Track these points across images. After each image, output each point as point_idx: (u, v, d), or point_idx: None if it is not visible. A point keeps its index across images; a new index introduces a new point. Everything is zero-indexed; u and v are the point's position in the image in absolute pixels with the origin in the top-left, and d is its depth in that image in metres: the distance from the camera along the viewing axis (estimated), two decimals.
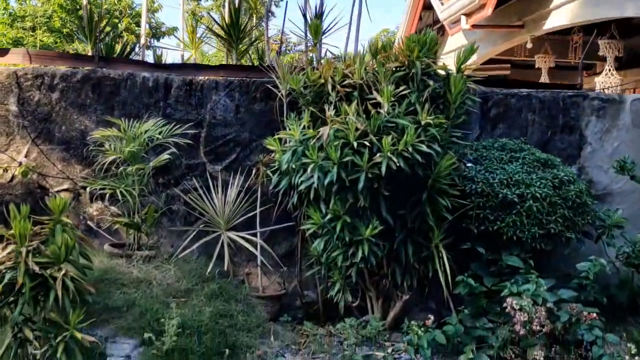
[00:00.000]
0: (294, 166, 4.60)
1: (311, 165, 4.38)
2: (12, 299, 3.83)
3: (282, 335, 4.64)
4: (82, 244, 4.20)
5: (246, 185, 5.38)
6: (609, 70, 9.56)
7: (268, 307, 4.95)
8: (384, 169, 4.21)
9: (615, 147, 5.86)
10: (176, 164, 5.53)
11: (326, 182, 4.32)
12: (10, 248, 3.77)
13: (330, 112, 4.64)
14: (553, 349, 4.19)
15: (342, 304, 4.98)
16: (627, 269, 5.28)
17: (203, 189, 5.35)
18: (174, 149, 5.20)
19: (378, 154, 4.31)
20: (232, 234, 5.12)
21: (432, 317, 4.50)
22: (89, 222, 5.49)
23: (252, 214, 5.28)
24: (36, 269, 3.69)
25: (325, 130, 4.43)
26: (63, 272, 3.79)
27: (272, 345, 4.45)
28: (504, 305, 4.28)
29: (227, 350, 4.22)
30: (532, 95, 5.84)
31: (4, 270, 3.72)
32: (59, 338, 3.77)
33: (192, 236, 5.25)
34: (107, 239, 5.35)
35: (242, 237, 5.11)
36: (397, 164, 4.22)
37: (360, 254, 4.51)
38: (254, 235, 5.23)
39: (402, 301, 4.88)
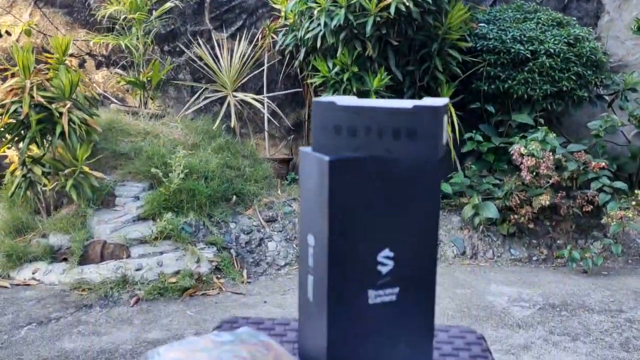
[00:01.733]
0: (301, 10, 4.45)
1: (317, 9, 4.26)
2: (19, 134, 3.85)
3: (288, 189, 4.67)
4: (85, 94, 4.19)
5: (253, 54, 5.28)
6: None
7: (275, 167, 4.96)
8: (392, 10, 4.08)
9: (634, 16, 5.64)
10: (181, 30, 5.42)
11: (333, 25, 4.20)
12: (14, 80, 3.74)
13: None
14: (559, 195, 4.17)
15: None
16: (638, 145, 5.22)
17: (209, 54, 5.26)
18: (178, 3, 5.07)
19: None
20: (239, 94, 5.07)
21: None
22: (94, 88, 5.45)
23: (258, 71, 5.21)
24: (41, 100, 3.67)
25: None
26: (68, 106, 3.78)
27: (278, 197, 4.48)
28: (511, 153, 4.24)
29: (234, 197, 4.26)
30: None
31: (9, 103, 3.71)
32: (67, 171, 3.80)
33: (198, 96, 5.22)
34: (114, 103, 5.33)
35: (249, 97, 5.07)
36: (407, 6, 4.09)
37: None
38: (261, 102, 5.19)
39: None
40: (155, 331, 2.89)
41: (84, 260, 3.60)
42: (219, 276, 3.64)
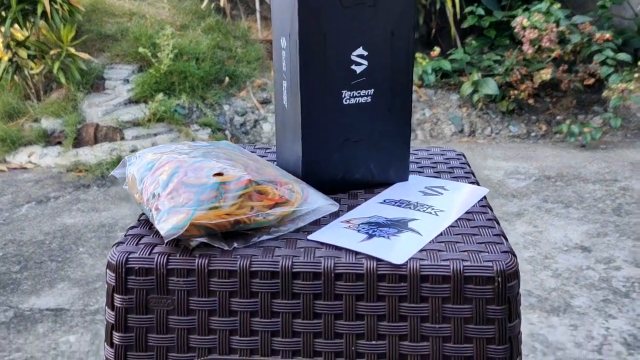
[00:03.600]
0: None
1: None
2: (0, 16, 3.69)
3: None
4: None
5: None
6: None
7: (268, 48, 4.81)
8: None
9: None
10: None
11: None
12: None
13: None
14: (560, 68, 4.07)
15: None
16: None
17: None
18: None
19: None
20: None
21: (438, 49, 4.36)
22: None
23: None
24: None
25: None
26: None
27: (272, 78, 4.37)
28: (514, 26, 4.08)
29: (226, 79, 4.16)
30: None
31: None
32: (53, 53, 3.69)
33: None
34: None
35: None
36: None
37: None
38: None
39: None
40: None
41: (78, 143, 3.58)
42: None
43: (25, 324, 1.95)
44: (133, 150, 3.50)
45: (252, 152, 0.91)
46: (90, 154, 3.49)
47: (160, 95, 3.68)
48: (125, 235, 0.64)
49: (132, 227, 0.66)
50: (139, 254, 0.59)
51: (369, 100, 0.75)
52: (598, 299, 2.07)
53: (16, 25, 3.76)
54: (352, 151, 0.76)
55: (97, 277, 2.24)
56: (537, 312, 1.99)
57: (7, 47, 3.79)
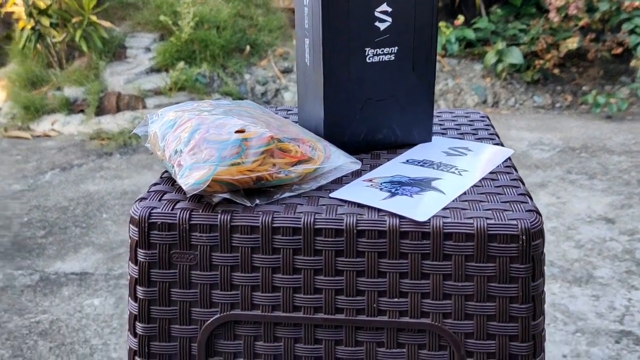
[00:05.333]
0: None
1: None
2: None
3: None
4: None
5: None
6: None
7: (290, 16, 4.76)
8: None
9: None
10: None
11: None
12: None
13: None
14: (587, 37, 3.96)
15: None
16: None
17: None
18: None
19: None
20: None
21: (462, 18, 4.27)
22: None
23: None
24: None
25: None
26: None
27: (293, 47, 4.35)
28: None
29: (247, 47, 4.14)
30: None
31: None
32: (75, 21, 3.70)
33: None
34: None
35: None
36: None
37: None
38: None
39: None
40: None
41: (100, 111, 3.61)
42: None
43: (51, 287, 2.00)
44: None
45: (274, 113, 0.91)
46: (112, 122, 3.52)
47: (181, 64, 3.68)
48: (148, 192, 0.64)
49: (155, 184, 0.66)
50: (162, 209, 0.59)
51: (393, 58, 0.73)
52: (621, 270, 2.04)
53: None
54: (374, 111, 0.75)
55: (121, 243, 2.28)
56: (559, 282, 1.98)
57: (30, 15, 3.81)
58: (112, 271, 2.09)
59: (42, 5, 3.82)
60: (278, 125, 0.68)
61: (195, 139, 0.62)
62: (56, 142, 3.45)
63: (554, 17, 3.86)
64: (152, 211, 0.59)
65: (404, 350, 0.58)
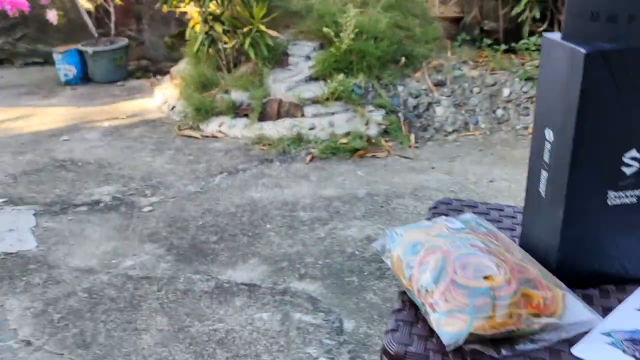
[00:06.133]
0: None
1: None
2: None
3: (459, 51, 4.44)
4: None
5: None
6: None
7: (445, 26, 4.71)
8: None
9: None
10: None
11: None
12: None
13: None
14: None
15: (526, 28, 4.56)
16: None
17: None
18: None
19: None
20: None
21: None
22: None
23: None
24: None
25: None
26: None
27: (448, 59, 4.30)
28: None
29: (402, 59, 4.16)
30: None
31: None
32: (245, 30, 3.95)
33: None
34: None
35: None
36: None
37: None
38: None
39: None
40: (330, 188, 3.08)
41: (262, 117, 3.84)
42: (387, 139, 3.70)
43: (224, 295, 2.20)
44: (311, 129, 3.68)
45: (487, 217, 0.94)
46: (272, 129, 3.74)
47: (341, 76, 3.80)
48: (396, 321, 0.71)
49: (398, 310, 0.73)
50: (415, 349, 0.66)
51: (635, 200, 0.74)
52: None
53: (214, 1, 4.07)
54: (610, 250, 0.76)
55: (283, 257, 2.45)
56: None
57: (205, 21, 4.13)
58: (277, 285, 2.26)
59: (216, 11, 4.13)
60: (516, 263, 0.72)
61: (446, 282, 0.68)
62: (222, 143, 3.73)
63: None
64: (407, 349, 0.66)
65: None
